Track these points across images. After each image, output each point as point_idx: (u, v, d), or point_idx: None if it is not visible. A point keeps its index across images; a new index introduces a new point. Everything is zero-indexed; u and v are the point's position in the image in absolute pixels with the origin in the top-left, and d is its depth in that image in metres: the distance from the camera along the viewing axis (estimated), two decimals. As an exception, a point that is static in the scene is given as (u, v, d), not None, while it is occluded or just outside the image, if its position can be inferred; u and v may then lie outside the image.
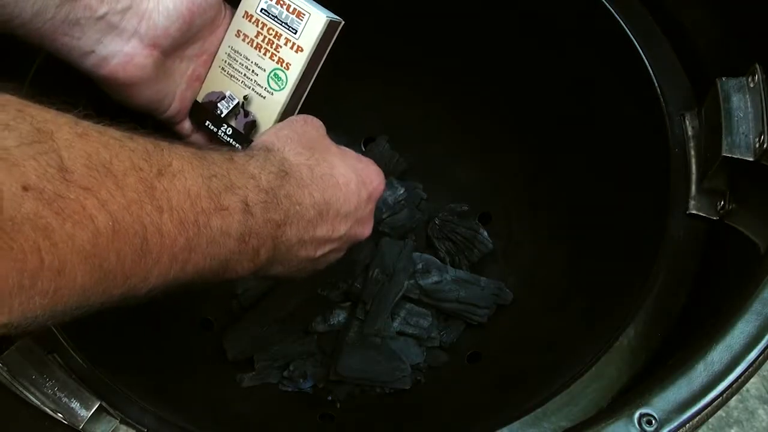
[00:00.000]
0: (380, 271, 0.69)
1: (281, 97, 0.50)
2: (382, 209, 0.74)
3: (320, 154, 0.44)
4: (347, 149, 0.48)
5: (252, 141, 0.49)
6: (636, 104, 0.57)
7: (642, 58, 0.55)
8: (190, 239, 0.32)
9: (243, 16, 0.49)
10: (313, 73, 0.51)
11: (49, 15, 0.39)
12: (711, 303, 0.46)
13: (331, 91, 0.56)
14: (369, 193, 0.48)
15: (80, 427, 0.39)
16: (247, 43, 0.50)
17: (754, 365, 0.37)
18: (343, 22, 0.50)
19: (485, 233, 0.75)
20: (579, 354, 0.48)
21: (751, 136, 0.46)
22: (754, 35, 0.50)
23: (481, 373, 0.67)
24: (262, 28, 0.49)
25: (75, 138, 0.27)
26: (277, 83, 0.50)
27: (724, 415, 0.88)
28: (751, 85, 0.48)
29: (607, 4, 0.56)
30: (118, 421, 0.40)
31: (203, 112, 0.52)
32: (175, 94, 0.51)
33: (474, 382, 0.66)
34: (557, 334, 0.60)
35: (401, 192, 0.76)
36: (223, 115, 0.52)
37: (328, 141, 0.47)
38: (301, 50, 0.49)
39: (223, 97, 0.51)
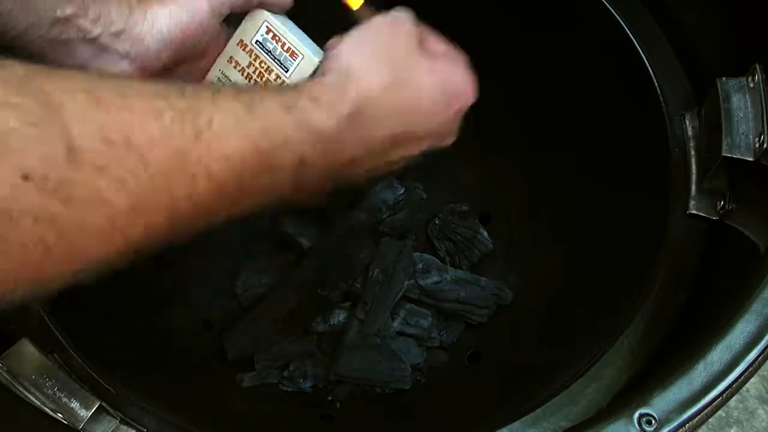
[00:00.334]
0: (380, 271, 0.69)
1: None
2: (382, 209, 0.74)
3: (407, 73, 0.39)
4: (439, 58, 0.42)
5: None
6: (636, 104, 0.57)
7: (642, 59, 0.55)
8: (231, 199, 0.30)
9: (237, 44, 0.48)
10: None
11: (42, 31, 0.39)
12: (711, 303, 0.46)
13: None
14: (456, 110, 0.43)
15: (80, 427, 0.39)
16: (238, 71, 0.49)
17: (754, 365, 0.37)
18: None
19: (485, 233, 0.75)
20: (579, 354, 0.48)
21: (751, 136, 0.46)
22: (754, 35, 0.50)
23: (481, 373, 0.67)
24: (254, 60, 0.48)
25: (89, 107, 0.25)
26: None
27: (724, 415, 0.87)
28: (751, 85, 0.47)
29: (607, 4, 0.56)
30: (118, 421, 0.40)
31: None
32: None
33: (474, 382, 0.66)
34: (557, 334, 0.60)
35: (401, 192, 0.76)
36: None
37: (416, 53, 0.41)
38: None
39: None
